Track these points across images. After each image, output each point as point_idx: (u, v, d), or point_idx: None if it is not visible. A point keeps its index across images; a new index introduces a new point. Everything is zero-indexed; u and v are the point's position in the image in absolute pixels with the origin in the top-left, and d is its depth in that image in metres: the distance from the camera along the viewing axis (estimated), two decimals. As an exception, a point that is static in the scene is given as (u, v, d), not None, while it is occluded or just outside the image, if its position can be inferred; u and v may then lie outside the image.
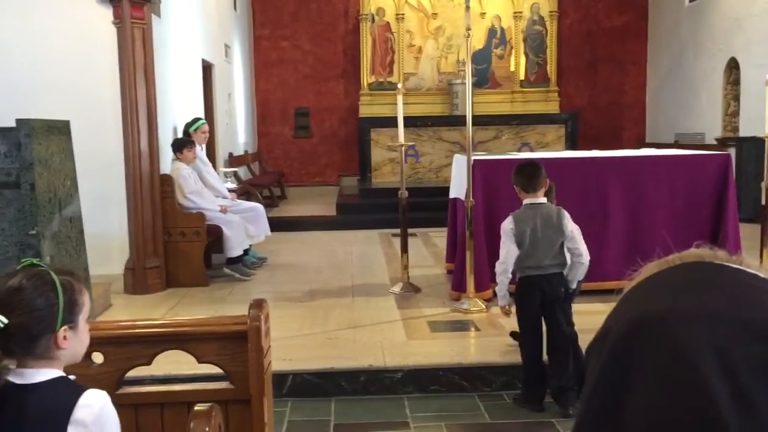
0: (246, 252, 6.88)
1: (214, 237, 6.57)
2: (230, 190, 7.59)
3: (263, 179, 12.00)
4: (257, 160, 13.07)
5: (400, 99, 5.89)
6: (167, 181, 6.33)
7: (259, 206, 7.40)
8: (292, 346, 4.43)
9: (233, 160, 10.64)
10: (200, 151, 7.10)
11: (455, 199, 5.99)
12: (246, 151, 12.24)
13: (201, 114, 8.46)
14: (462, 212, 5.50)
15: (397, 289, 5.96)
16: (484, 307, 5.23)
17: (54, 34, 6.04)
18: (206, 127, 7.29)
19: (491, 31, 12.47)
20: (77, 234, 5.05)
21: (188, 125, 7.15)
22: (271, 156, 13.70)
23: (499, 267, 3.89)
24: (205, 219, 6.41)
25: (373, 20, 12.29)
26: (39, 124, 4.49)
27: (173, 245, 6.31)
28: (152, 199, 6.13)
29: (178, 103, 7.61)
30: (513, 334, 4.19)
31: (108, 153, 6.10)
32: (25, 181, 4.36)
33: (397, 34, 12.33)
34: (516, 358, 4.00)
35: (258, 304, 2.21)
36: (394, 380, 4.09)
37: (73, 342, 1.57)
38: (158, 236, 6.17)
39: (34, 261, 1.57)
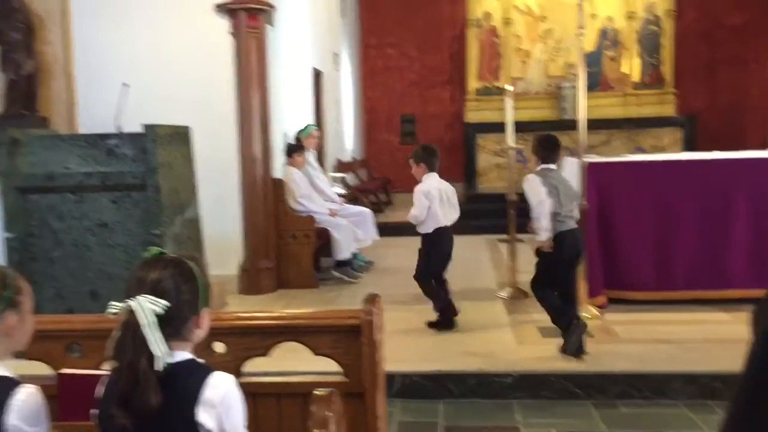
0: (354, 255, 6.98)
1: (324, 240, 6.71)
2: (338, 195, 7.73)
3: (370, 185, 12.14)
4: (364, 166, 13.24)
5: (509, 101, 5.81)
6: (279, 185, 6.51)
7: (367, 210, 7.49)
8: (399, 347, 4.44)
9: (341, 166, 10.83)
10: (311, 156, 7.28)
11: (566, 203, 5.84)
12: (353, 158, 12.44)
13: (311, 120, 8.67)
14: (573, 216, 5.35)
15: (504, 293, 5.86)
16: (597, 313, 5.05)
17: (177, 46, 6.36)
18: (317, 133, 7.45)
19: (603, 33, 12.11)
20: (196, 235, 5.28)
21: (299, 131, 7.34)
22: (377, 162, 13.84)
23: (538, 210, 4.24)
24: (314, 222, 6.56)
25: (479, 25, 12.21)
26: (163, 131, 4.73)
27: (284, 247, 6.48)
28: (265, 202, 6.33)
29: (289, 110, 7.83)
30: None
31: (224, 158, 6.34)
32: (151, 184, 4.60)
33: (504, 38, 12.20)
34: (634, 366, 3.84)
35: (372, 299, 2.23)
36: (503, 385, 4.01)
37: (206, 322, 1.65)
38: (271, 239, 6.36)
39: (162, 250, 1.64)
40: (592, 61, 11.94)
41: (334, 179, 8.87)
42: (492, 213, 8.60)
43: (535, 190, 4.29)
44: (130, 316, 1.51)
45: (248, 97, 6.18)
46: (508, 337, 4.69)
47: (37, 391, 1.62)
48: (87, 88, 6.31)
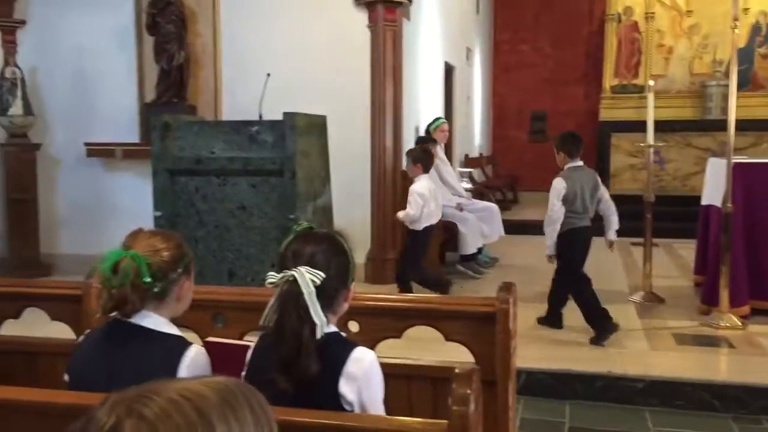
0: (479, 251, 6.94)
1: (450, 234, 6.71)
2: (465, 190, 7.71)
3: (496, 182, 12.02)
4: (491, 163, 13.12)
5: (651, 97, 5.57)
6: (408, 176, 6.57)
7: (494, 206, 7.42)
8: (525, 345, 4.36)
9: (468, 162, 10.79)
10: (440, 149, 7.30)
11: (708, 206, 5.53)
12: (481, 154, 12.36)
13: (441, 114, 8.68)
14: (716, 220, 5.06)
15: (637, 297, 5.64)
16: (739, 323, 4.76)
17: (317, 39, 6.56)
18: (446, 126, 7.46)
19: (755, 28, 11.34)
20: (328, 223, 5.43)
21: (430, 124, 7.38)
22: (505, 159, 13.69)
23: (548, 223, 4.68)
24: (441, 215, 6.56)
25: (619, 20, 11.76)
26: (301, 120, 4.89)
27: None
28: (394, 193, 6.42)
29: (421, 103, 7.89)
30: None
31: (356, 148, 6.47)
32: (288, 170, 4.78)
33: (646, 33, 11.67)
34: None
35: (507, 287, 2.21)
36: (634, 390, 3.87)
37: (350, 297, 1.70)
38: (398, 229, 6.44)
39: (312, 225, 1.70)
40: (743, 58, 11.19)
41: (462, 174, 8.83)
42: (624, 215, 8.27)
43: (553, 195, 4.65)
44: (291, 285, 1.56)
45: (382, 89, 6.28)
46: (640, 342, 4.51)
47: (203, 350, 1.74)
48: (231, 79, 6.65)
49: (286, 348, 1.55)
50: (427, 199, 5.44)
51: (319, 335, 1.56)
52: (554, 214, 4.65)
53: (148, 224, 4.77)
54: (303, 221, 1.74)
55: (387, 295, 2.39)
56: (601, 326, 4.53)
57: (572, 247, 4.73)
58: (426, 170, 5.52)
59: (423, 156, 5.55)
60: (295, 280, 1.56)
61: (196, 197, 4.96)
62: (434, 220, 5.60)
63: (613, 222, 4.92)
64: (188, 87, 6.65)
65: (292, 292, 1.56)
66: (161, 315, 1.76)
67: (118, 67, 6.85)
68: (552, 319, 4.89)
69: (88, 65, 6.94)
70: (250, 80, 6.13)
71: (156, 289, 1.71)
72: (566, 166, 4.76)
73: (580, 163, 4.81)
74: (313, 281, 1.56)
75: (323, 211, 5.34)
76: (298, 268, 1.57)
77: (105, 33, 6.85)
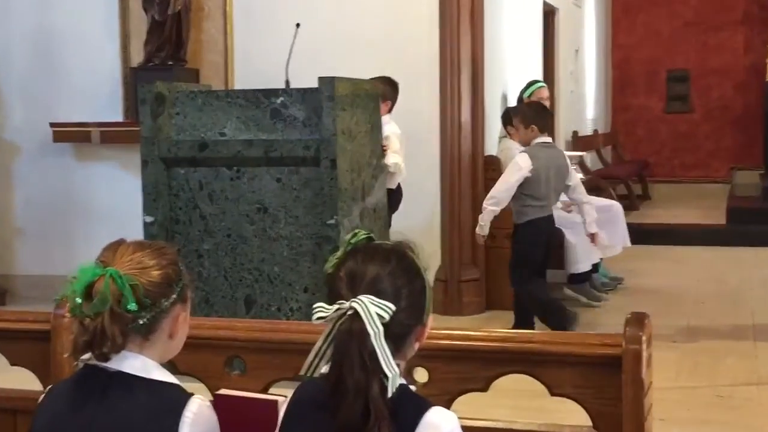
0: (595, 268, 6.88)
1: (553, 244, 6.66)
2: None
3: (619, 170, 11.88)
4: (611, 143, 12.98)
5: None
6: (493, 165, 6.57)
7: (616, 205, 7.38)
8: (665, 400, 4.29)
9: (578, 142, 10.72)
10: (536, 126, 7.27)
11: None
12: (596, 131, 12.25)
13: (539, 76, 8.63)
14: None
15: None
16: None
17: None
18: (546, 93, 7.42)
19: None
20: (381, 229, 5.44)
21: (522, 91, 7.35)
22: (630, 139, 13.56)
23: (491, 201, 5.53)
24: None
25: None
26: (344, 87, 4.91)
27: (497, 252, 6.50)
28: (473, 188, 6.42)
29: (510, 62, 7.86)
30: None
31: (420, 126, 6.44)
32: (326, 158, 4.80)
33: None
34: None
35: (638, 320, 2.20)
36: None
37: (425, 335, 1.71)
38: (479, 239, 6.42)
39: (369, 235, 1.70)
40: None
41: (570, 160, 8.77)
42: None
43: (513, 170, 5.53)
44: (351, 321, 1.54)
45: (456, 43, 6.30)
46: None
47: (208, 404, 1.77)
48: (246, 31, 6.74)
49: (349, 411, 1.52)
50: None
51: (390, 392, 1.54)
52: (503, 194, 5.51)
53: (135, 233, 4.86)
54: (359, 230, 1.73)
55: (467, 331, 2.38)
56: (560, 319, 5.51)
57: (533, 245, 5.66)
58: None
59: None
60: (355, 314, 1.54)
61: (200, 196, 5.04)
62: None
63: (589, 211, 5.80)
64: (188, 44, 6.76)
65: (353, 331, 1.53)
66: (149, 356, 1.79)
67: (94, 19, 7.00)
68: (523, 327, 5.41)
69: (53, 17, 7.09)
70: (272, 33, 6.20)
71: (142, 321, 1.73)
72: (534, 142, 5.61)
73: (549, 139, 5.77)
74: (380, 316, 1.55)
75: (375, 214, 5.36)
76: (359, 297, 1.55)
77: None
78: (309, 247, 4.89)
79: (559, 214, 6.68)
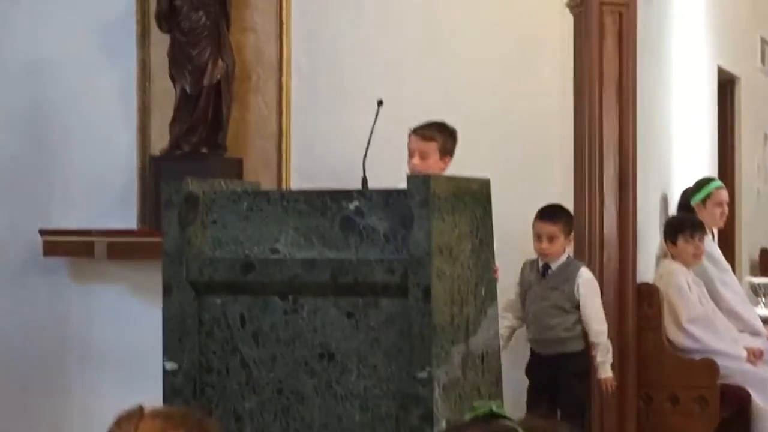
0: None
1: (735, 408, 6.55)
2: (765, 321, 7.56)
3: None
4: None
5: None
6: (650, 295, 6.52)
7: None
8: None
9: (768, 263, 10.59)
10: (711, 241, 7.21)
11: None
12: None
13: (713, 172, 8.60)
14: None
15: None
16: None
17: (468, 32, 6.71)
18: (725, 195, 7.38)
19: None
20: (491, 383, 5.40)
21: (692, 191, 7.31)
22: None
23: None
24: (718, 373, 6.44)
25: None
26: (443, 186, 4.95)
27: (656, 418, 6.46)
28: (620, 327, 6.35)
29: (671, 149, 7.85)
30: None
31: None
32: (416, 284, 4.83)
33: None
34: None
35: None
36: None
37: None
38: (629, 398, 6.34)
39: (495, 408, 1.70)
40: None
41: (757, 288, 8.66)
42: None
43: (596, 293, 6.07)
44: None
45: (596, 120, 6.32)
46: None
47: None
48: (307, 110, 6.83)
49: None
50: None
51: None
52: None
53: (152, 384, 4.94)
54: (487, 402, 1.71)
55: None
56: None
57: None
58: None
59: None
60: None
61: (241, 336, 5.09)
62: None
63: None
64: (229, 125, 6.84)
65: None
66: None
67: (105, 91, 7.17)
68: None
69: (49, 89, 7.26)
70: (343, 112, 6.31)
71: None
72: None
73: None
74: None
75: (483, 360, 5.33)
76: None
77: (83, 30, 7.20)
78: (390, 409, 4.87)
79: (739, 367, 6.58)
